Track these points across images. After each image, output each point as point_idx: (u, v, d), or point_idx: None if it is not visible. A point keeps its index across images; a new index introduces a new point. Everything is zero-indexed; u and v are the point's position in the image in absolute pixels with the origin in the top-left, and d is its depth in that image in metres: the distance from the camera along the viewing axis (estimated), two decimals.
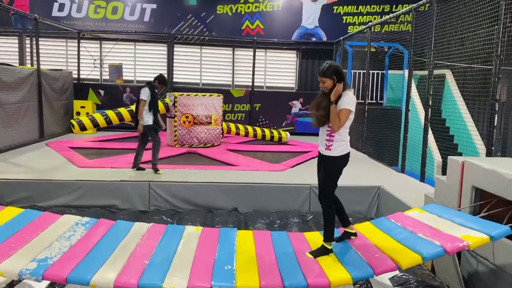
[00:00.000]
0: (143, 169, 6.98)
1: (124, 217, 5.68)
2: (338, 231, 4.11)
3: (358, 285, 3.91)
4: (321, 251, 3.71)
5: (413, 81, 7.92)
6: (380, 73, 11.82)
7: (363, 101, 10.00)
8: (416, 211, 4.31)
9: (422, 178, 6.89)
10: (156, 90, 6.92)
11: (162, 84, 6.98)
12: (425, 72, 7.86)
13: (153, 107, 6.82)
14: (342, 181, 6.51)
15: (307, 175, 6.96)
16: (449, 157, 4.47)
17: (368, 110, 9.70)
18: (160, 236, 3.93)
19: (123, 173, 6.71)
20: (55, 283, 3.67)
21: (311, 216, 6.03)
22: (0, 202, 6.03)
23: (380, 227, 4.13)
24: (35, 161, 7.57)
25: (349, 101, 3.60)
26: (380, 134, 9.44)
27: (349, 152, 3.76)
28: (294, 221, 5.77)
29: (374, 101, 11.74)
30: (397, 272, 4.07)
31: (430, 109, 6.97)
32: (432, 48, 6.76)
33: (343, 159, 3.73)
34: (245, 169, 7.52)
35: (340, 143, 3.67)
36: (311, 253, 3.71)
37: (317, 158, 3.94)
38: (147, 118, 6.79)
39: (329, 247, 3.72)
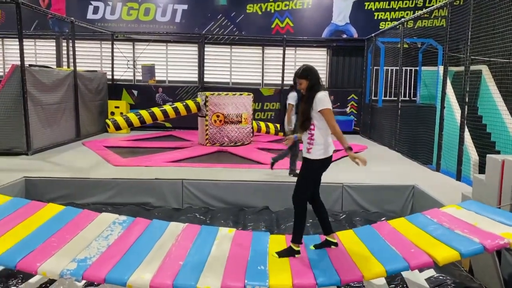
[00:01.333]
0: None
1: (158, 215, 5.80)
2: (319, 238, 4.07)
3: (394, 286, 3.85)
4: (287, 252, 3.71)
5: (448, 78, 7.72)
6: (413, 70, 11.60)
7: (396, 98, 9.83)
8: (453, 208, 4.21)
9: (458, 177, 6.71)
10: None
11: None
12: (461, 68, 7.65)
13: (298, 111, 6.72)
14: (375, 180, 6.51)
15: (339, 174, 6.90)
16: (488, 155, 4.34)
17: (401, 108, 9.52)
18: (194, 237, 3.99)
19: (157, 171, 6.84)
20: None
21: (344, 216, 5.99)
22: (40, 199, 6.28)
23: (415, 223, 4.05)
24: (72, 160, 7.83)
25: (321, 102, 3.63)
26: (414, 132, 9.26)
27: (329, 157, 3.75)
28: None
29: (407, 98, 11.54)
30: (433, 273, 3.99)
31: (466, 106, 6.77)
32: (469, 43, 6.56)
33: (320, 163, 3.72)
34: (276, 167, 7.51)
35: (319, 147, 3.68)
36: (277, 253, 3.71)
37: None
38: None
39: (297, 249, 3.71)
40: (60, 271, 3.22)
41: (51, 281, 3.83)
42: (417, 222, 4.04)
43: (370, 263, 3.39)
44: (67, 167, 7.24)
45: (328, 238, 3.89)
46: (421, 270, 4.10)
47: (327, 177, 6.70)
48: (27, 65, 8.25)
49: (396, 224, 4.11)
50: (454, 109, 8.30)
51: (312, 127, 3.69)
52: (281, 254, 3.69)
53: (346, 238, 4.00)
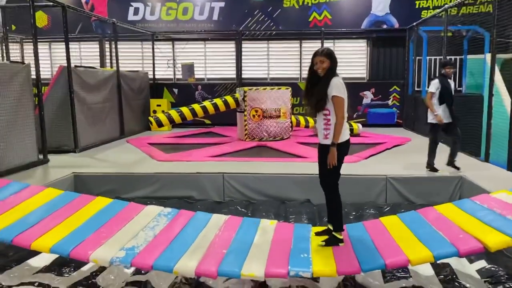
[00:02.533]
0: (437, 170, 6.39)
1: (201, 208, 5.89)
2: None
3: (443, 276, 3.72)
4: (331, 242, 3.67)
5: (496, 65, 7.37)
6: (458, 59, 11.16)
7: None
8: (504, 193, 4.02)
9: (509, 167, 6.41)
10: (448, 80, 6.27)
11: (449, 66, 6.30)
12: (510, 55, 7.29)
13: (445, 100, 6.16)
14: (421, 172, 6.32)
15: (382, 166, 6.77)
16: None
17: None
18: (237, 227, 4.05)
19: (199, 166, 6.94)
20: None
21: (388, 208, 5.86)
22: (88, 194, 6.52)
23: (463, 208, 3.90)
24: (118, 157, 8.09)
25: (337, 88, 3.58)
26: (460, 123, 8.91)
27: (348, 140, 3.71)
28: (370, 212, 5.64)
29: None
30: (485, 264, 3.83)
31: None
32: None
33: (342, 147, 3.67)
34: (316, 161, 7.43)
35: None
36: (323, 241, 3.68)
37: (318, 147, 3.88)
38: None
39: (340, 237, 3.67)
40: (110, 258, 3.35)
41: (101, 270, 3.97)
42: (466, 208, 3.88)
43: (416, 248, 3.29)
44: (113, 163, 7.48)
45: (330, 226, 3.84)
46: (471, 261, 3.95)
47: (370, 169, 6.65)
48: (73, 66, 8.58)
49: (443, 210, 3.96)
50: (503, 97, 7.93)
51: (327, 112, 3.64)
52: (325, 243, 3.68)
53: (391, 223, 3.92)
